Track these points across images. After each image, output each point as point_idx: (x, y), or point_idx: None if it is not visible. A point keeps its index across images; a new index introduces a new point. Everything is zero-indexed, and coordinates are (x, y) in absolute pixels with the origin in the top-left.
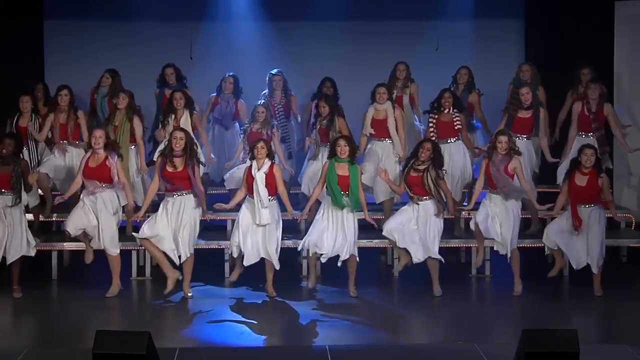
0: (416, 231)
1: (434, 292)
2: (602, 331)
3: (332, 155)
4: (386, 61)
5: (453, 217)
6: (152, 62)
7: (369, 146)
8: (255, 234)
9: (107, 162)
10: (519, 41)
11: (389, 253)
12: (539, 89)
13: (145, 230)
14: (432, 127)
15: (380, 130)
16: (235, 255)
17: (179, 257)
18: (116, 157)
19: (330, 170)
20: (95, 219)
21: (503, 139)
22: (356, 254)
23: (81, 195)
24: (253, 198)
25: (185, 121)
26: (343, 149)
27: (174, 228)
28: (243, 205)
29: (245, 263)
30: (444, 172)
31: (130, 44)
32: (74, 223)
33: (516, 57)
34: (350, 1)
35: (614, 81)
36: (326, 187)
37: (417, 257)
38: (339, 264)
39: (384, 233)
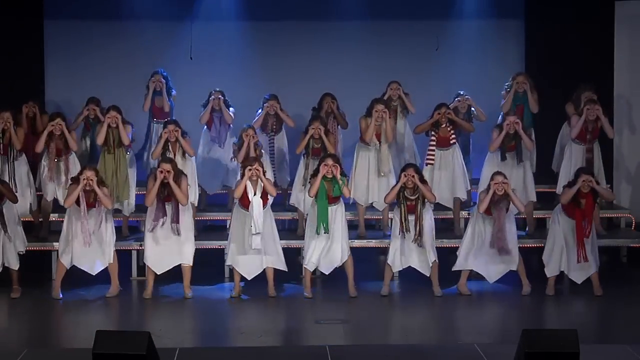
0: (414, 246)
1: (434, 292)
2: (602, 331)
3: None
4: (385, 61)
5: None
6: (152, 62)
7: (361, 153)
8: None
9: (96, 202)
10: (519, 41)
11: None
12: (534, 94)
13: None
14: (433, 144)
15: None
16: (230, 262)
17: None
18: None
19: (321, 186)
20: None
21: (499, 178)
22: (348, 254)
23: (68, 226)
24: (246, 210)
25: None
26: (330, 168)
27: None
28: (235, 219)
29: (249, 277)
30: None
31: (130, 43)
32: (77, 259)
33: (516, 57)
34: (349, 2)
35: (614, 81)
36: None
37: (424, 271)
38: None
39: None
